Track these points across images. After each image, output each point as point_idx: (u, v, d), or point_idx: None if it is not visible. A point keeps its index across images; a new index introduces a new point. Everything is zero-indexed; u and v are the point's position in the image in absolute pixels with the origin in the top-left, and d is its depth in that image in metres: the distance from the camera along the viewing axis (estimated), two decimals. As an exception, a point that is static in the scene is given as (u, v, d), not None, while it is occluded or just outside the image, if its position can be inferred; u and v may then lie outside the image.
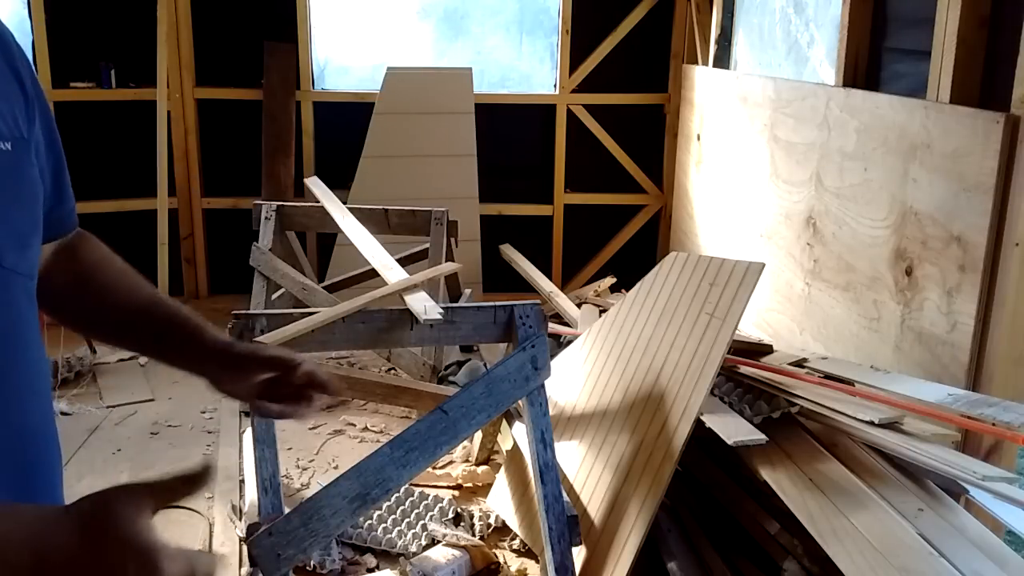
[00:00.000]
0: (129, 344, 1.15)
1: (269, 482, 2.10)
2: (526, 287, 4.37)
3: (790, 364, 2.54)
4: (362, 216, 3.63)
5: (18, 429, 0.86)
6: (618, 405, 2.43)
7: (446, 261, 3.57)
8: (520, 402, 2.25)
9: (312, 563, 2.35)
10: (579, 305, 3.97)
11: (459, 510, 2.66)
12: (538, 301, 2.42)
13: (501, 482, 2.69)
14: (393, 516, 2.61)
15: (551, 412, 2.32)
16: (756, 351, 2.68)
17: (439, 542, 2.47)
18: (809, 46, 3.45)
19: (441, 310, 2.40)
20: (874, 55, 2.89)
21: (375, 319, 2.40)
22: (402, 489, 2.64)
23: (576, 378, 2.68)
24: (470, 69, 4.57)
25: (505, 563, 2.47)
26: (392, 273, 3.06)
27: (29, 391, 0.89)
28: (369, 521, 2.57)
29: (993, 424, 1.91)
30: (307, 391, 1.09)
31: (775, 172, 3.40)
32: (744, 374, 2.47)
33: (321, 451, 3.16)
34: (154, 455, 3.11)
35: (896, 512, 1.85)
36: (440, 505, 2.66)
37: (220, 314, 4.48)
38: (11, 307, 0.85)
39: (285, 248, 3.91)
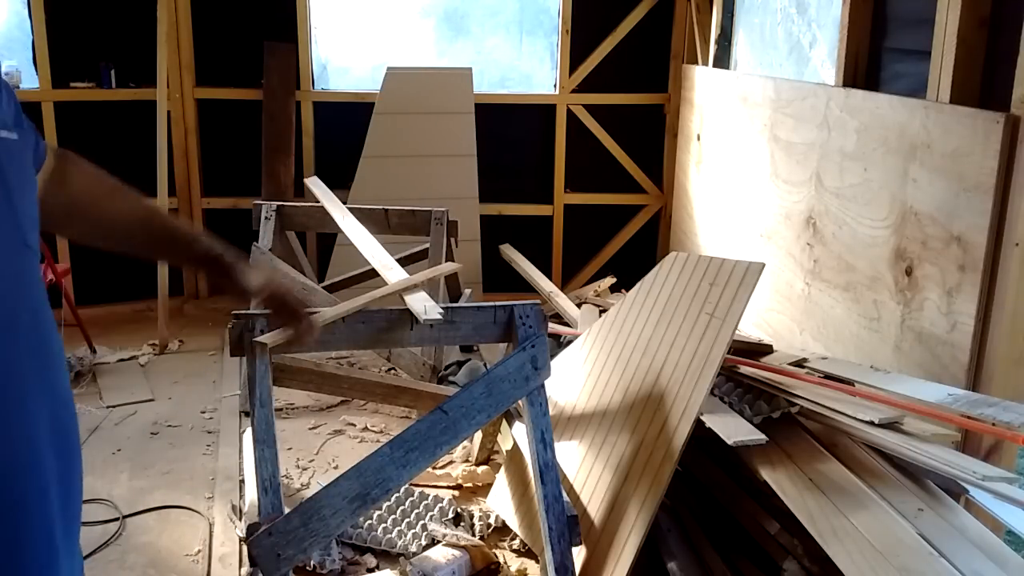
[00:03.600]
0: (128, 253, 1.25)
1: (269, 482, 2.10)
2: (526, 287, 4.37)
3: (790, 364, 2.54)
4: (362, 216, 3.63)
5: (59, 394, 0.94)
6: (618, 405, 2.43)
7: (446, 261, 3.57)
8: (520, 402, 2.25)
9: (312, 563, 2.35)
10: (579, 305, 3.97)
11: (459, 510, 2.66)
12: (538, 301, 2.42)
13: (501, 482, 2.69)
14: (393, 516, 2.61)
15: (551, 412, 2.32)
16: (756, 351, 2.68)
17: (439, 542, 2.47)
18: (811, 46, 3.45)
19: (441, 310, 2.39)
20: (874, 55, 2.89)
21: (375, 319, 2.40)
22: (402, 489, 2.64)
23: (576, 378, 2.68)
24: (470, 69, 4.57)
25: (505, 563, 2.47)
26: (392, 273, 3.06)
27: (60, 358, 0.97)
28: (369, 521, 2.57)
29: (993, 424, 1.91)
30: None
31: (775, 172, 3.40)
32: (744, 374, 2.47)
33: (321, 451, 3.16)
34: (154, 455, 3.11)
35: (896, 512, 1.85)
36: (440, 505, 2.66)
37: (220, 314, 4.53)
38: (37, 283, 0.93)
39: (285, 248, 3.91)
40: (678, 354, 2.35)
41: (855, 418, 2.10)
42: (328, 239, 4.47)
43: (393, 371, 3.67)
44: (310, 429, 3.33)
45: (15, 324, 0.86)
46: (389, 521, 2.58)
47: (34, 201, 0.94)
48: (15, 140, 0.90)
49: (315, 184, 3.95)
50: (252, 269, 1.29)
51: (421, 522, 2.57)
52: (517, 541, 2.55)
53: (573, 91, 4.75)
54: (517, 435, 2.57)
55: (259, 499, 2.09)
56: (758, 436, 2.09)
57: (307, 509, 1.96)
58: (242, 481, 2.85)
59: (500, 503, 2.64)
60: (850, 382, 2.37)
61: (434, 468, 2.92)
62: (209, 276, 1.30)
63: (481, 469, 2.95)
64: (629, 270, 4.33)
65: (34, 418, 0.87)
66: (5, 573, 0.82)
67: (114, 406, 3.50)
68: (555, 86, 4.79)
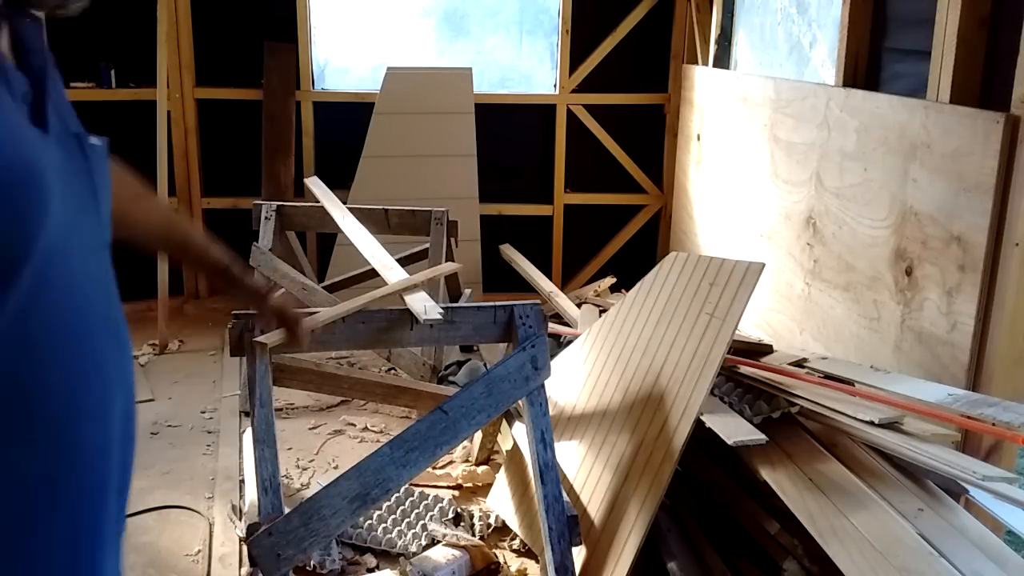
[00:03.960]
0: (138, 250, 1.33)
1: (269, 482, 2.10)
2: (526, 287, 4.37)
3: (790, 364, 2.54)
4: (362, 216, 3.63)
5: (130, 388, 0.96)
6: (618, 405, 2.43)
7: (446, 261, 3.57)
8: (520, 402, 2.25)
9: (312, 563, 2.35)
10: (579, 305, 3.97)
11: (459, 510, 2.66)
12: (538, 301, 2.42)
13: (501, 482, 2.69)
14: (393, 516, 2.61)
15: (551, 412, 2.32)
16: (756, 351, 2.68)
17: (439, 542, 2.47)
18: (811, 46, 3.45)
19: (441, 310, 2.39)
20: (874, 55, 2.89)
21: (375, 319, 2.40)
22: (402, 489, 2.64)
23: (576, 378, 2.68)
24: (470, 69, 4.57)
25: (505, 563, 2.47)
26: (392, 273, 3.06)
27: (132, 353, 1.00)
28: (369, 521, 2.57)
29: (993, 424, 1.92)
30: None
31: (775, 172, 3.41)
32: (744, 374, 2.47)
33: (321, 451, 3.16)
34: (154, 455, 3.11)
35: (896, 512, 1.85)
36: (440, 505, 2.66)
37: (220, 314, 4.53)
38: (114, 280, 0.95)
39: (285, 248, 3.91)
40: (678, 354, 2.35)
41: (855, 418, 2.10)
42: (328, 239, 4.46)
43: (393, 371, 3.67)
44: (310, 429, 3.33)
45: (107, 320, 0.91)
46: (389, 521, 2.58)
47: (110, 202, 1.00)
48: (101, 147, 0.96)
49: (315, 184, 3.95)
50: (254, 278, 1.42)
51: (421, 522, 2.57)
52: (517, 541, 2.55)
53: (573, 91, 4.75)
54: (517, 435, 2.57)
55: (259, 499, 2.09)
56: (758, 436, 2.09)
57: (307, 509, 1.96)
58: (242, 481, 2.85)
59: (500, 503, 2.64)
60: (850, 382, 2.37)
61: (434, 468, 2.92)
62: (215, 283, 1.45)
63: (481, 469, 2.95)
64: (629, 270, 4.33)
65: (113, 409, 0.91)
66: (86, 557, 0.85)
67: (114, 406, 3.50)
68: (555, 86, 4.79)
